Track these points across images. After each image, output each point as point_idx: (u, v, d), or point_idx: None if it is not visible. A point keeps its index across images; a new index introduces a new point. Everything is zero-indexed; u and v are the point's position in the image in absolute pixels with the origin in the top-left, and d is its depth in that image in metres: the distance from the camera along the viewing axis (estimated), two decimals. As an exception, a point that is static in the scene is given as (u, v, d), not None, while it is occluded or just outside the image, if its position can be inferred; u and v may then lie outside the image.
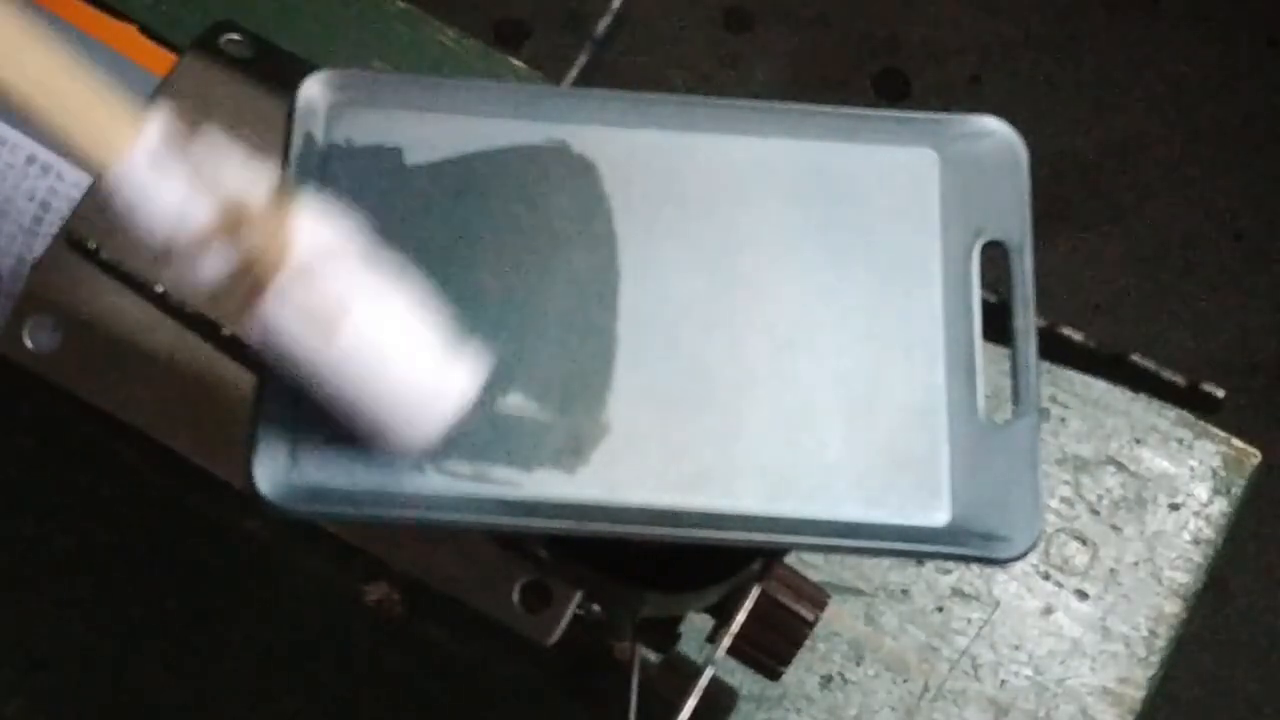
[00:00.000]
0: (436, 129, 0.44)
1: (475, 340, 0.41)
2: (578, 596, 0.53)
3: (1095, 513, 0.69)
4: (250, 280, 0.37)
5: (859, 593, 0.67)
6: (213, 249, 0.37)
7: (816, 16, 1.48)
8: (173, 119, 0.37)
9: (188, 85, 0.56)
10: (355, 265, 0.39)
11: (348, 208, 0.43)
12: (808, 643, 0.56)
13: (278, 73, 0.56)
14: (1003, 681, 0.66)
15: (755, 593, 0.53)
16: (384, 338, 0.39)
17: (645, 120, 0.45)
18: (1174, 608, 0.68)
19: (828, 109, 0.45)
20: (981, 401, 0.43)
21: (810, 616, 0.55)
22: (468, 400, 0.40)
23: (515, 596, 0.53)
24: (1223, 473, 0.70)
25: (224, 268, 0.37)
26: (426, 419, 0.40)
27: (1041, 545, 0.68)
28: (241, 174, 0.38)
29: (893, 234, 0.44)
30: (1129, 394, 0.66)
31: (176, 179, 0.37)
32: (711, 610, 0.55)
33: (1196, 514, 0.70)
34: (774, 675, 0.57)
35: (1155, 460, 0.70)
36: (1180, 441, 0.70)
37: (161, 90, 0.58)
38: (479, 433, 0.41)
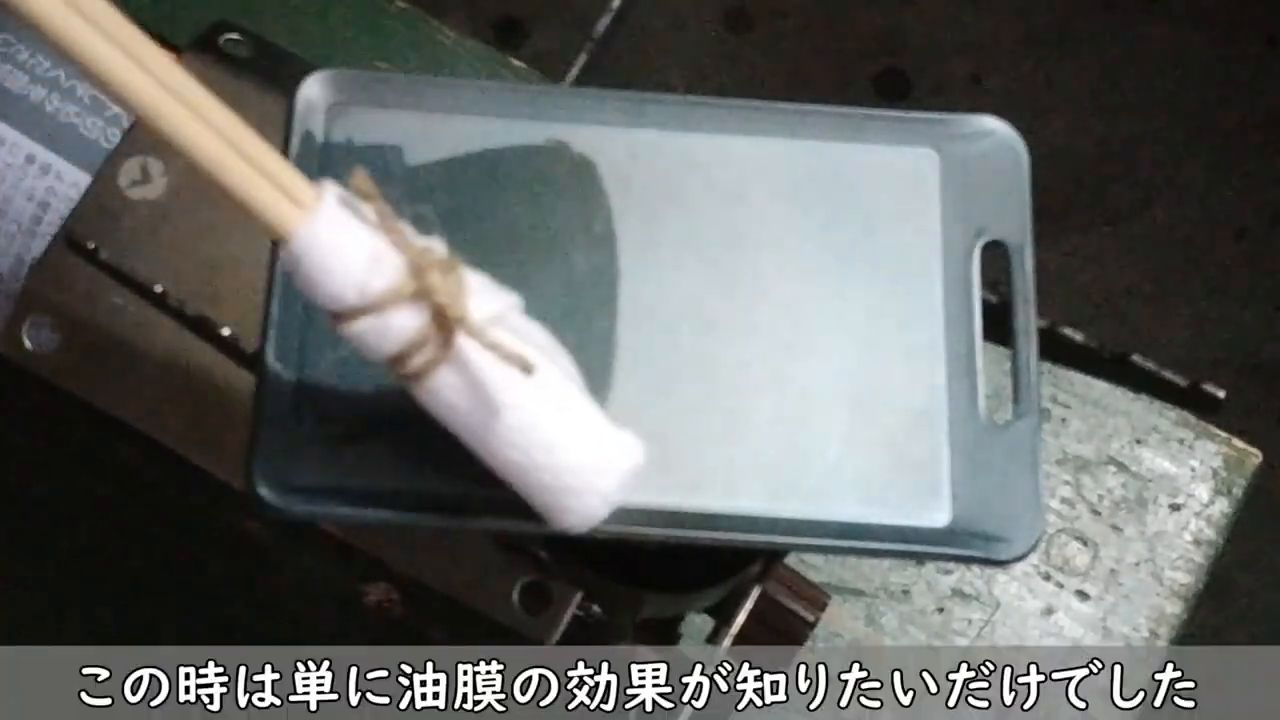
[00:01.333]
0: (436, 129, 0.44)
1: (633, 412, 0.40)
2: (578, 596, 0.53)
3: (1096, 513, 0.69)
4: (436, 339, 0.37)
5: (859, 593, 0.67)
6: (402, 308, 0.36)
7: (816, 16, 1.47)
8: (352, 182, 0.37)
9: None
10: (523, 330, 0.38)
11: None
12: (807, 643, 0.56)
13: (278, 73, 0.56)
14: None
15: (755, 593, 0.53)
16: (553, 404, 0.38)
17: (645, 120, 0.45)
18: (1175, 608, 0.68)
19: (828, 109, 0.45)
20: (982, 402, 0.43)
21: (810, 617, 0.55)
22: (631, 477, 0.39)
23: (515, 596, 0.53)
24: (1223, 473, 0.70)
25: (413, 326, 0.36)
26: (593, 494, 0.38)
27: (1042, 546, 0.68)
28: (416, 235, 0.37)
29: (893, 234, 0.44)
30: (1129, 394, 0.66)
31: (364, 237, 0.36)
32: (711, 610, 0.55)
33: (1197, 514, 0.70)
34: (774, 676, 0.57)
35: (1156, 460, 0.70)
36: (1181, 442, 0.70)
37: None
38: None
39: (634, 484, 0.39)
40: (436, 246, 0.37)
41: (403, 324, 0.36)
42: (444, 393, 0.37)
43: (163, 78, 0.36)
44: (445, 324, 0.37)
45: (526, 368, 0.37)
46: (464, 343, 0.37)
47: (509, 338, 0.37)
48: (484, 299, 0.38)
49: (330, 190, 0.37)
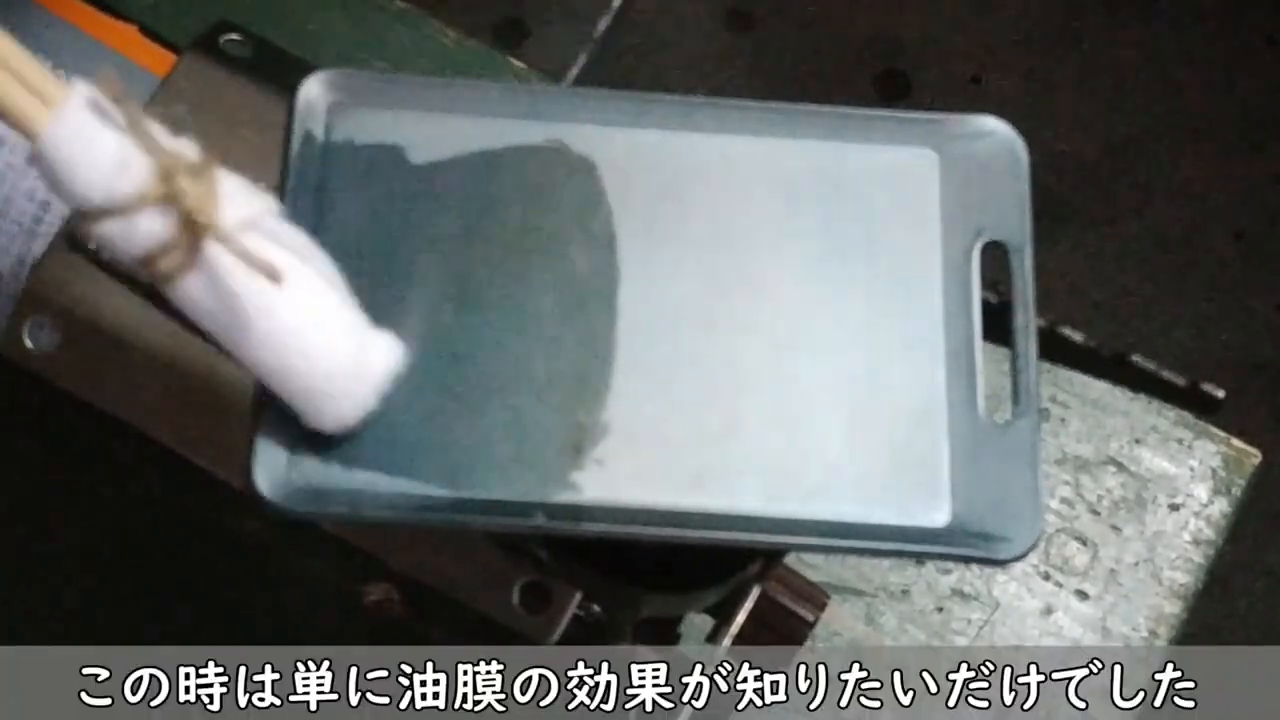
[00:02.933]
0: (436, 129, 0.44)
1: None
2: (578, 596, 0.53)
3: (1095, 513, 0.69)
4: (183, 244, 0.37)
5: (859, 593, 0.67)
6: (147, 211, 0.37)
7: (816, 16, 1.48)
8: (99, 84, 0.37)
9: (188, 85, 0.56)
10: (280, 234, 0.39)
11: (346, 209, 0.43)
12: (807, 643, 0.56)
13: (278, 73, 0.56)
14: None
15: (755, 593, 0.53)
16: (306, 311, 0.38)
17: (645, 120, 0.45)
18: (1174, 608, 0.68)
19: (828, 109, 0.45)
20: (981, 401, 0.43)
21: (810, 617, 0.55)
22: (386, 381, 0.40)
23: (515, 597, 0.53)
24: (1223, 473, 0.70)
25: (159, 230, 0.37)
26: (348, 398, 0.39)
27: (1041, 545, 0.68)
28: (170, 138, 0.37)
29: (893, 234, 0.44)
30: (1129, 394, 0.66)
31: (111, 139, 0.37)
32: (711, 610, 0.55)
33: (1197, 514, 0.70)
34: (774, 675, 0.57)
35: (1155, 460, 0.70)
36: (1180, 442, 0.70)
37: (161, 90, 0.58)
38: (479, 433, 0.41)
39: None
40: (189, 150, 0.37)
41: (149, 228, 0.37)
42: (194, 297, 0.38)
43: None
44: (194, 229, 0.37)
45: (274, 276, 0.37)
46: (213, 249, 0.37)
47: (261, 244, 0.38)
48: (238, 203, 0.38)
49: (80, 90, 0.37)
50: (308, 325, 0.38)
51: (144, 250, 0.37)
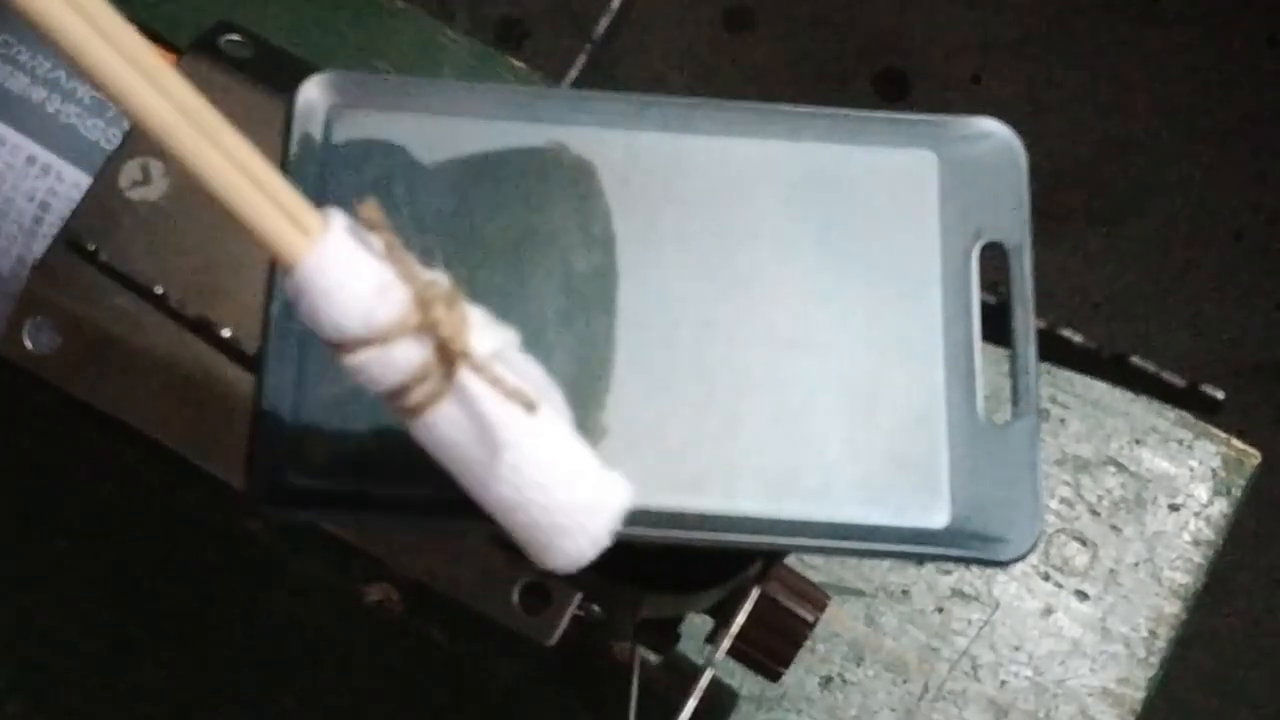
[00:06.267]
0: (436, 130, 0.44)
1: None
2: (578, 597, 0.53)
3: (1095, 513, 0.69)
4: (438, 373, 0.36)
5: (859, 593, 0.67)
6: (404, 340, 0.36)
7: (816, 16, 1.48)
8: (359, 212, 0.37)
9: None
10: (521, 366, 0.38)
11: (345, 210, 0.43)
12: (808, 644, 0.56)
13: (278, 73, 0.56)
14: (1003, 682, 0.66)
15: (755, 594, 0.53)
16: (551, 443, 0.38)
17: (645, 121, 0.45)
18: (1174, 608, 0.68)
19: (827, 111, 0.45)
20: (981, 403, 0.43)
21: (810, 617, 0.55)
22: (621, 518, 0.39)
23: (515, 597, 0.53)
24: (1223, 473, 0.70)
25: (415, 359, 0.36)
26: (584, 533, 0.38)
27: (1041, 546, 0.68)
28: (421, 268, 0.37)
29: (892, 235, 0.44)
30: (1129, 395, 0.66)
31: (371, 267, 0.36)
32: (711, 611, 0.55)
33: (1196, 514, 0.70)
34: (774, 676, 0.57)
35: (1155, 461, 0.70)
36: (1180, 442, 0.70)
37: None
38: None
39: (623, 514, 0.39)
40: (440, 279, 0.37)
41: (406, 356, 0.36)
42: (443, 428, 0.37)
43: (174, 96, 0.35)
44: (449, 357, 0.36)
45: (529, 405, 0.37)
46: (466, 378, 0.36)
47: (509, 374, 0.37)
48: (485, 334, 0.37)
49: (338, 219, 0.37)
50: (551, 457, 0.37)
51: (401, 379, 0.36)
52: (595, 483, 0.38)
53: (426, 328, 0.36)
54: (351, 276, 0.36)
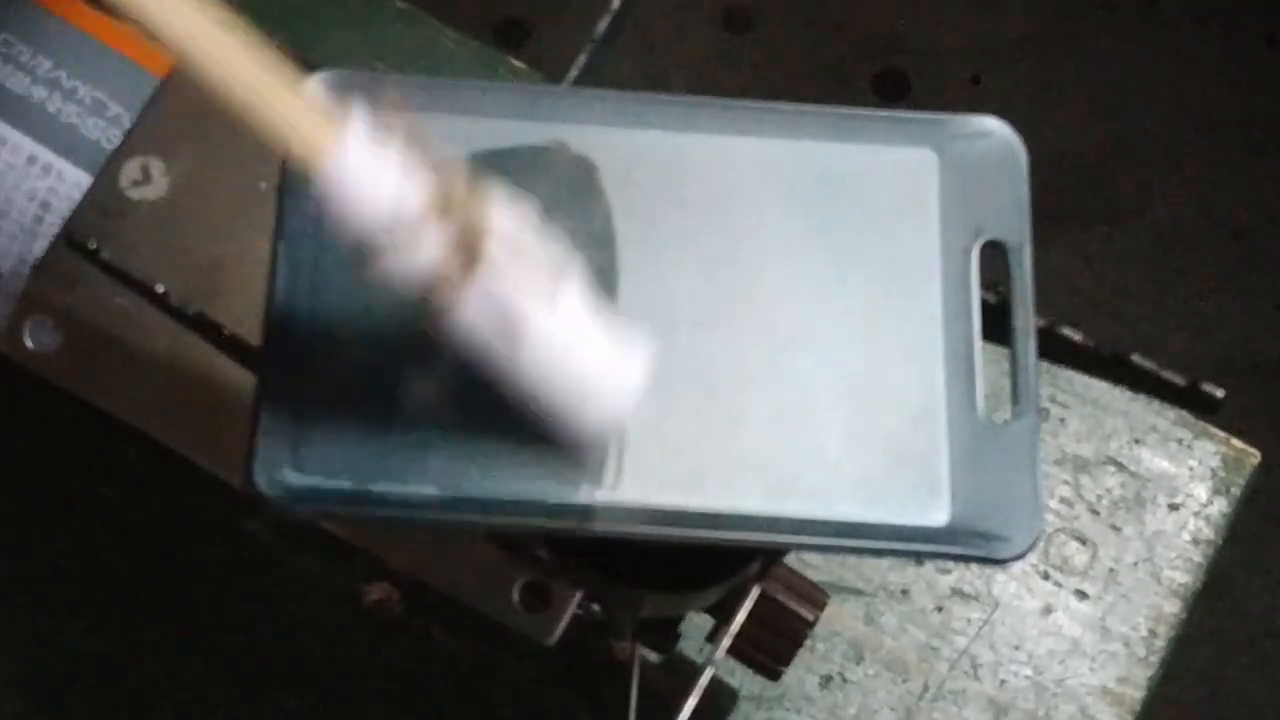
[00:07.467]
0: (436, 129, 0.44)
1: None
2: (578, 596, 0.53)
3: (1095, 513, 0.69)
4: (459, 265, 0.38)
5: (859, 593, 0.67)
6: (425, 234, 0.37)
7: (816, 16, 1.48)
8: (370, 109, 0.38)
9: (188, 85, 0.55)
10: (541, 252, 0.39)
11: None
12: (807, 643, 0.56)
13: (278, 73, 0.56)
14: (1002, 681, 0.66)
15: (755, 593, 0.53)
16: (576, 312, 0.39)
17: (645, 120, 0.45)
18: (1174, 608, 0.68)
19: (827, 109, 0.45)
20: (981, 401, 0.43)
21: (810, 616, 0.55)
22: (642, 389, 0.40)
23: (515, 596, 0.53)
24: (1222, 473, 0.70)
25: (437, 253, 0.37)
26: (614, 396, 0.40)
27: (1041, 545, 0.68)
28: (439, 160, 0.38)
29: (892, 234, 0.44)
30: (1129, 394, 0.66)
31: (389, 166, 0.37)
32: (711, 610, 0.55)
33: (1196, 514, 0.70)
34: (774, 675, 0.57)
35: (1155, 460, 0.70)
36: (1180, 441, 0.70)
37: (162, 90, 0.58)
38: (479, 433, 0.41)
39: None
40: (457, 162, 0.39)
41: (435, 240, 0.37)
42: (473, 308, 0.38)
43: (198, 5, 0.37)
44: (474, 236, 0.38)
45: (557, 273, 0.38)
46: (493, 251, 0.38)
47: (532, 246, 0.39)
48: (505, 210, 0.39)
49: (359, 113, 0.38)
50: (580, 326, 0.39)
51: (432, 264, 0.37)
52: (620, 344, 0.40)
53: (452, 206, 0.37)
54: (380, 165, 0.37)
